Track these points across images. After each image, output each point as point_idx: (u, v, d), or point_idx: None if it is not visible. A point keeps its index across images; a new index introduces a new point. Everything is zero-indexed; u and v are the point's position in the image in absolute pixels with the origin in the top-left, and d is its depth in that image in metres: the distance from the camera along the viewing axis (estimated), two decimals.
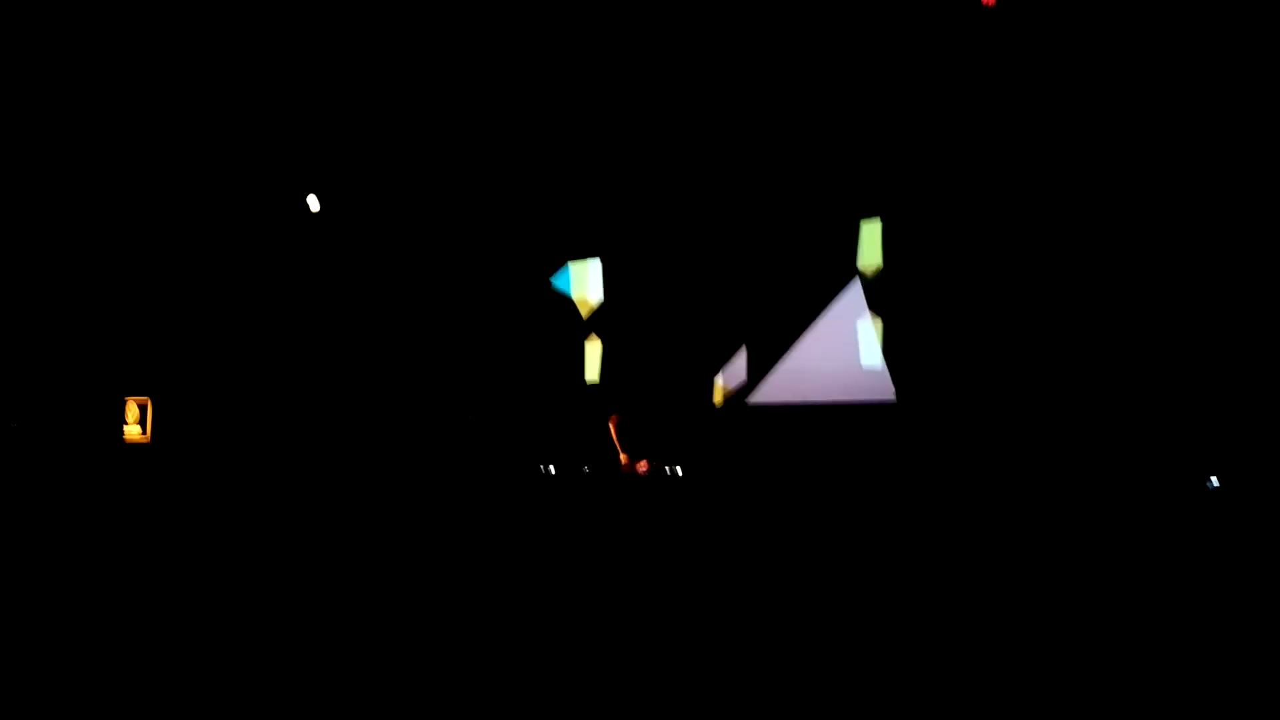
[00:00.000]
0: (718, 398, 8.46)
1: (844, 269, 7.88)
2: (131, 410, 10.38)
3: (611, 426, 8.08)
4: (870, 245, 7.62)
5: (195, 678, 3.64)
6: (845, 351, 7.68)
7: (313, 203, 9.75)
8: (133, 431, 10.33)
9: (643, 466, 7.96)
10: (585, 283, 9.36)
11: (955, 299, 7.06)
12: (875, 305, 7.62)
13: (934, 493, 6.06)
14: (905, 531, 5.68)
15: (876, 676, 3.67)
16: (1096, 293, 6.40)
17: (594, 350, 9.28)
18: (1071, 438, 6.31)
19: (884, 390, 7.38)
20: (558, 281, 9.59)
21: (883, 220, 7.70)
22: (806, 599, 4.98)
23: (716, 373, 8.53)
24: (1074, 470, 6.18)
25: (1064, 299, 6.52)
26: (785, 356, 8.11)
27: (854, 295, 7.74)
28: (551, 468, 8.64)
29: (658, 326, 8.84)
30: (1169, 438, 5.95)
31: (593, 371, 9.23)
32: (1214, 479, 5.63)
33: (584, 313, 9.40)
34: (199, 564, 6.22)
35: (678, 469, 7.95)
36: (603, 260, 9.29)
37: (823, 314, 7.89)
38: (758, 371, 8.33)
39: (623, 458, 8.00)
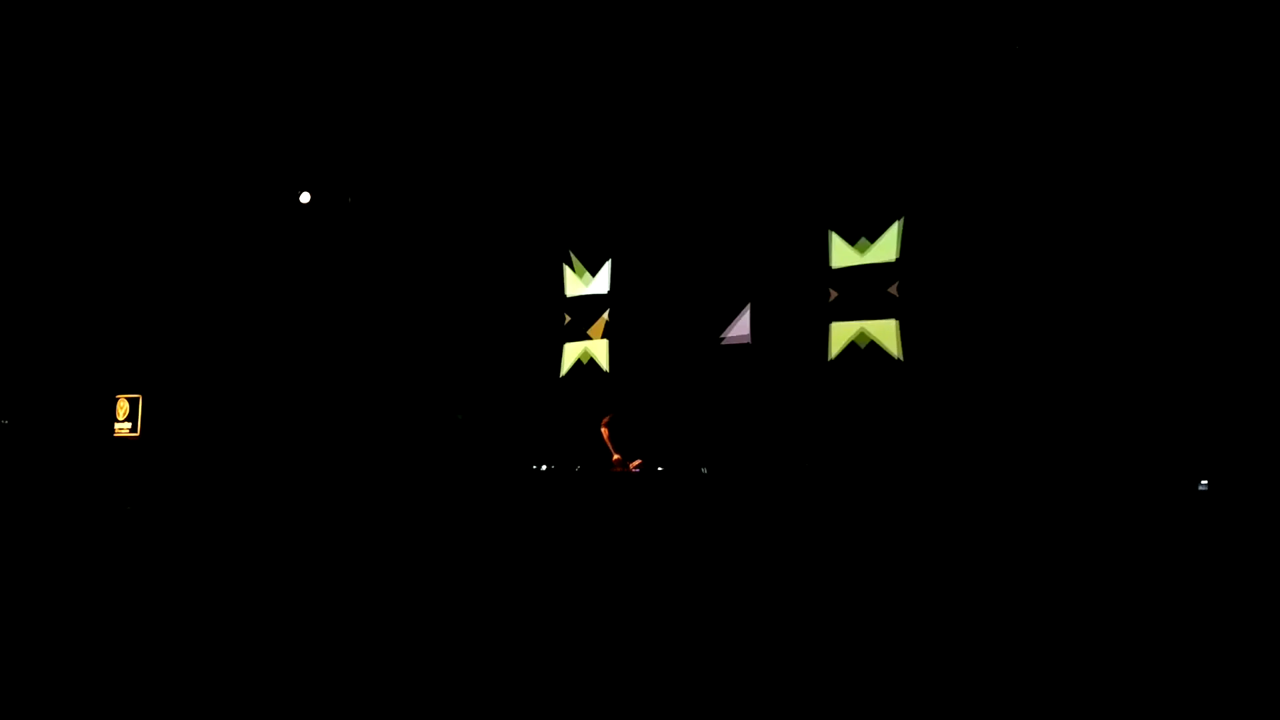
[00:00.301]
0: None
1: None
2: (122, 407, 10.34)
3: (604, 429, 8.06)
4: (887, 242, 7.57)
5: (185, 670, 3.62)
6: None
7: (303, 197, 9.72)
8: (123, 428, 10.29)
9: (635, 465, 7.94)
10: (584, 281, 9.33)
11: (965, 295, 7.03)
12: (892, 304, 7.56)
13: (939, 491, 6.05)
14: (901, 530, 5.68)
15: (870, 673, 3.66)
16: (1097, 292, 6.39)
17: (586, 349, 9.27)
18: (1067, 436, 6.30)
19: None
20: (550, 281, 9.59)
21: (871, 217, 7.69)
22: (799, 598, 4.97)
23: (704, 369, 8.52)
24: (1069, 468, 6.17)
25: (1064, 297, 6.51)
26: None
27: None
28: (544, 466, 8.63)
29: (650, 325, 8.84)
30: (1166, 437, 5.96)
31: (578, 363, 9.21)
32: (1204, 482, 5.64)
33: (578, 313, 9.39)
34: (188, 558, 6.18)
35: (665, 468, 7.94)
36: (603, 259, 9.25)
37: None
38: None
39: (615, 457, 7.98)
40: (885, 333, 7.49)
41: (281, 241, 10.14)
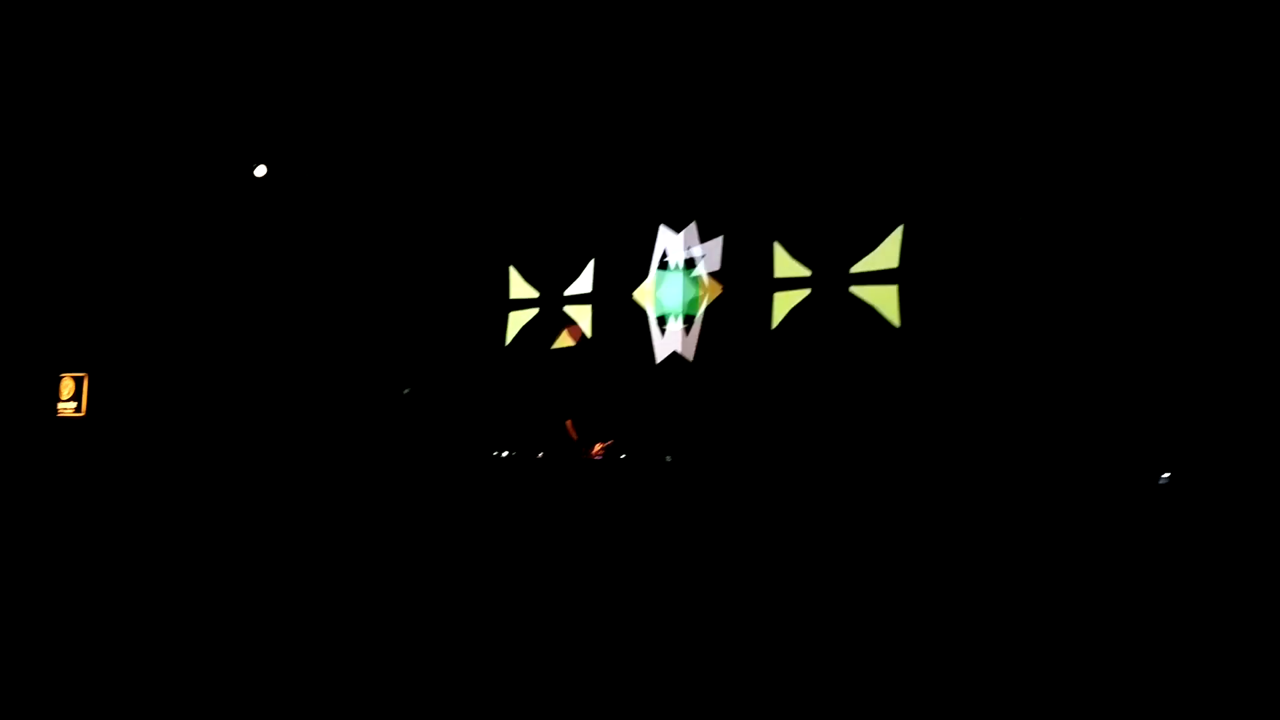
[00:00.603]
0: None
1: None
2: (67, 386, 10.00)
3: (569, 426, 7.98)
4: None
5: (128, 650, 3.48)
6: None
7: (259, 170, 9.46)
8: (67, 408, 9.95)
9: (598, 450, 7.87)
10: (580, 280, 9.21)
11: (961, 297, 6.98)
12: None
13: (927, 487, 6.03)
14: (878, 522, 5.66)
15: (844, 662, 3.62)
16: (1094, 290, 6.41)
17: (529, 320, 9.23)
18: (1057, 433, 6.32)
19: None
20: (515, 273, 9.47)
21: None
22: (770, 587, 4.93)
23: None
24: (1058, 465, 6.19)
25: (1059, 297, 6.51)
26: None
27: None
28: (504, 453, 8.51)
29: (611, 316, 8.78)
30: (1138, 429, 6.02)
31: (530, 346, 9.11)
32: (1165, 474, 5.69)
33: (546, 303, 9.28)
34: (135, 541, 6.00)
35: (630, 456, 7.87)
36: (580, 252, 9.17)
37: None
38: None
39: (575, 436, 7.90)
40: (884, 299, 7.29)
41: (231, 215, 9.86)
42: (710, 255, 8.28)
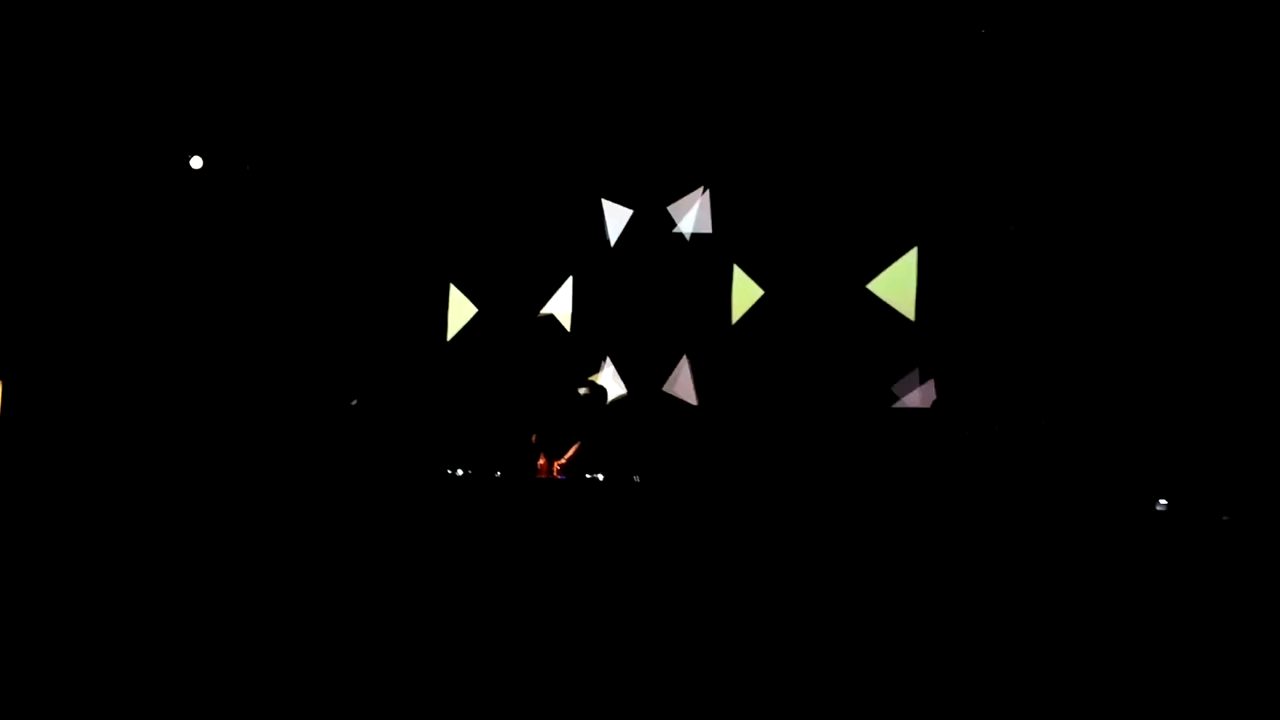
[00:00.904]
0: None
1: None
2: None
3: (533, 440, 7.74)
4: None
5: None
6: None
7: (195, 162, 9.04)
8: None
9: (559, 466, 7.63)
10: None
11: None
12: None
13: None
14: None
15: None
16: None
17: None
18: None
19: None
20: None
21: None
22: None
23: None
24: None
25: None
26: None
27: None
28: (460, 471, 8.23)
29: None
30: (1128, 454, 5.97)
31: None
32: (1162, 501, 5.63)
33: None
34: (54, 562, 5.57)
35: (599, 475, 7.63)
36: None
37: None
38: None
39: (540, 461, 7.65)
40: (897, 289, 6.99)
41: (165, 210, 9.42)
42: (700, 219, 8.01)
